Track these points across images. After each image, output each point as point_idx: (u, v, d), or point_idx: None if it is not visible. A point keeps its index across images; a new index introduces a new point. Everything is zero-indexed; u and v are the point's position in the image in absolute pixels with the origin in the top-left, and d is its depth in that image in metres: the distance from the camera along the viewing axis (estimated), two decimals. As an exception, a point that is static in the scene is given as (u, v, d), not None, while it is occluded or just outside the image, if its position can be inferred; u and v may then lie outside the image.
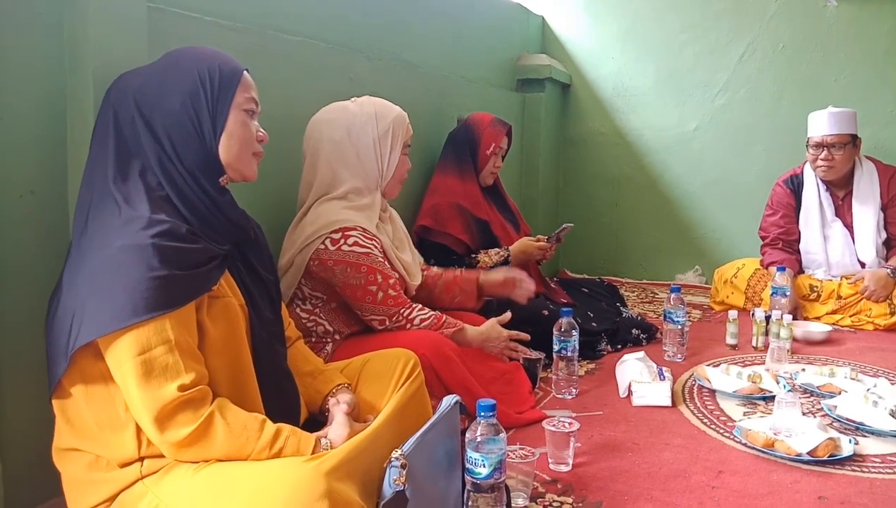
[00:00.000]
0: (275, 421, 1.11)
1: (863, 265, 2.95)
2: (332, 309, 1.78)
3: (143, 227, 1.04)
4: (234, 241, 1.22)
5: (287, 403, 1.26)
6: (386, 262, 1.76)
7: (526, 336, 1.95)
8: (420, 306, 1.81)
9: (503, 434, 1.20)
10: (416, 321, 1.77)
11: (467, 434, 1.21)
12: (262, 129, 1.24)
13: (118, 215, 1.07)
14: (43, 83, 1.34)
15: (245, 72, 1.21)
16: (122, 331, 1.00)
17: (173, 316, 1.03)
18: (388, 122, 1.83)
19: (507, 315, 1.93)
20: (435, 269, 2.10)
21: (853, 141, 2.95)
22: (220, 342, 1.12)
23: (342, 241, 1.69)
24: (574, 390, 2.04)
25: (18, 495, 1.33)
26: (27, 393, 1.33)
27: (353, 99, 1.88)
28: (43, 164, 1.36)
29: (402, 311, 1.75)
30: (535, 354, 2.11)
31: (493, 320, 1.91)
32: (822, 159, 2.95)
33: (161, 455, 1.07)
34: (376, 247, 1.74)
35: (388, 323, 1.75)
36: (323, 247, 1.69)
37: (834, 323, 2.85)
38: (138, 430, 1.06)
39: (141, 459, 1.08)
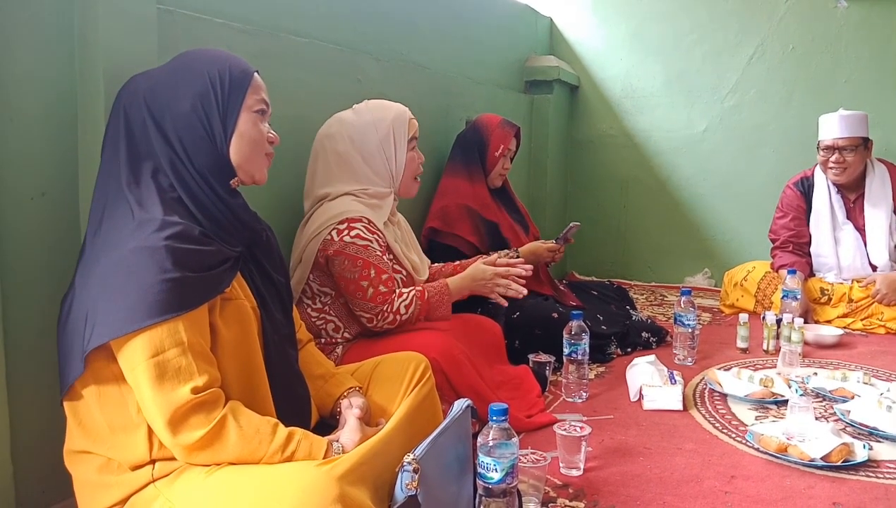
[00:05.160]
0: (286, 425, 1.11)
1: (874, 268, 2.93)
2: (342, 304, 1.78)
3: (156, 229, 1.03)
4: (246, 243, 1.21)
5: (298, 406, 1.26)
6: (384, 257, 1.75)
7: (521, 269, 1.89)
8: (400, 292, 1.75)
9: (515, 439, 1.20)
10: (402, 310, 1.73)
11: (479, 439, 1.20)
12: (272, 131, 1.24)
13: (131, 217, 1.06)
14: (53, 86, 1.34)
15: (255, 73, 1.21)
16: (136, 333, 1.00)
17: (186, 318, 1.03)
18: (387, 124, 1.85)
19: (495, 256, 1.99)
20: (436, 266, 2.12)
21: (865, 143, 2.92)
22: (233, 344, 1.12)
23: (346, 232, 1.70)
24: (584, 393, 2.03)
25: (30, 497, 1.33)
26: (39, 395, 1.33)
27: (352, 107, 1.89)
28: (54, 167, 1.35)
29: (384, 308, 1.72)
30: (544, 357, 2.11)
31: (477, 261, 1.95)
32: (833, 162, 2.93)
33: (172, 459, 1.07)
34: (377, 241, 1.74)
35: (375, 321, 1.73)
36: (329, 237, 1.70)
37: (845, 327, 2.82)
38: (150, 432, 1.06)
39: (152, 462, 1.07)
